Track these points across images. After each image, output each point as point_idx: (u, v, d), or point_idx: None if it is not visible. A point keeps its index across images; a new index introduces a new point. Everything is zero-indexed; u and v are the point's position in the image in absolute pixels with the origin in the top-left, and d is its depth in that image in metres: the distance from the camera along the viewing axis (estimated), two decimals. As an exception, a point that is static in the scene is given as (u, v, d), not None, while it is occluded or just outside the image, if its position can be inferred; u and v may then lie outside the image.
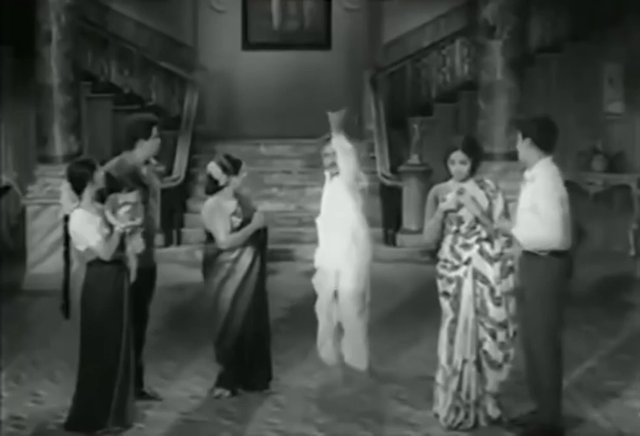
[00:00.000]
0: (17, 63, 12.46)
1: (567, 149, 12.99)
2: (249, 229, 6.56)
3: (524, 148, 5.82)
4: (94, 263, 5.93)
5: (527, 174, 5.82)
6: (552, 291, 5.77)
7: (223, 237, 6.52)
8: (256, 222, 6.60)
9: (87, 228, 5.88)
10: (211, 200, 6.64)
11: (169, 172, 12.52)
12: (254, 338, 6.64)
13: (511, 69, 10.66)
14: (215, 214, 6.55)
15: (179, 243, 12.22)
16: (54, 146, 10.81)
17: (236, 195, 6.66)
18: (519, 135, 5.86)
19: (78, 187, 5.95)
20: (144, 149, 6.52)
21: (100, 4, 14.98)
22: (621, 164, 12.50)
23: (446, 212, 5.99)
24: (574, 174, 12.74)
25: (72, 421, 5.99)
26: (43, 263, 10.48)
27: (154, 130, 6.52)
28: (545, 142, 5.75)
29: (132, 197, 6.04)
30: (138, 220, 6.00)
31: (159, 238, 11.67)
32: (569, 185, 9.27)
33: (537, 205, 5.64)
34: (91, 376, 5.94)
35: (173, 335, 8.31)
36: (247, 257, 6.58)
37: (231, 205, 6.60)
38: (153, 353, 7.02)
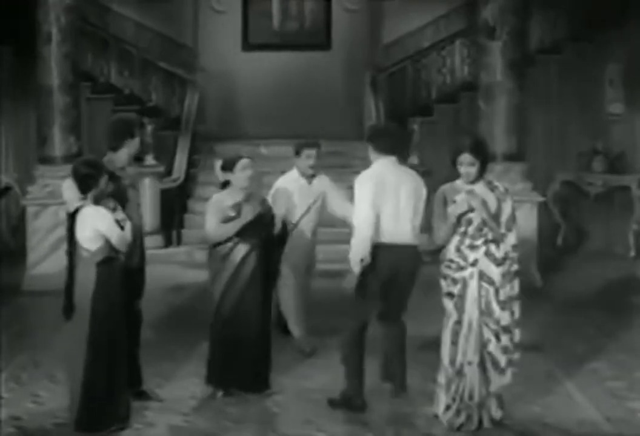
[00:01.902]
0: (17, 63, 12.46)
1: (568, 150, 13.02)
2: (236, 223, 6.54)
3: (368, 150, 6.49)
4: (103, 262, 5.91)
5: None
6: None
7: (210, 228, 6.59)
8: (245, 216, 6.57)
9: (110, 223, 5.89)
10: (218, 194, 6.73)
11: (169, 172, 12.52)
12: (250, 337, 6.63)
13: (511, 69, 10.65)
14: (212, 206, 6.64)
15: (178, 243, 12.21)
16: (53, 147, 10.81)
17: (246, 192, 6.69)
18: None
19: (83, 187, 5.93)
20: (128, 149, 6.53)
21: (100, 4, 14.97)
22: (621, 165, 12.49)
23: (460, 215, 5.97)
24: (574, 175, 12.76)
25: (81, 421, 5.93)
26: (43, 263, 10.48)
27: (137, 130, 6.55)
28: (377, 146, 6.40)
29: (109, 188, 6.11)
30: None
31: (158, 239, 11.71)
32: (570, 185, 9.35)
33: None
34: (100, 376, 5.91)
35: (172, 335, 8.30)
36: (240, 251, 6.57)
37: (230, 198, 6.63)
38: (152, 354, 7.01)
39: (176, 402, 6.59)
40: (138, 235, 6.46)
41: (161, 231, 11.90)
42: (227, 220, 6.57)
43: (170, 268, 10.87)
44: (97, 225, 5.88)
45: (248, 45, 15.95)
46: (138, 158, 8.48)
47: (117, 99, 13.65)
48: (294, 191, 7.71)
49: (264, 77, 15.40)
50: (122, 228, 5.96)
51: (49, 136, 10.81)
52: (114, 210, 6.00)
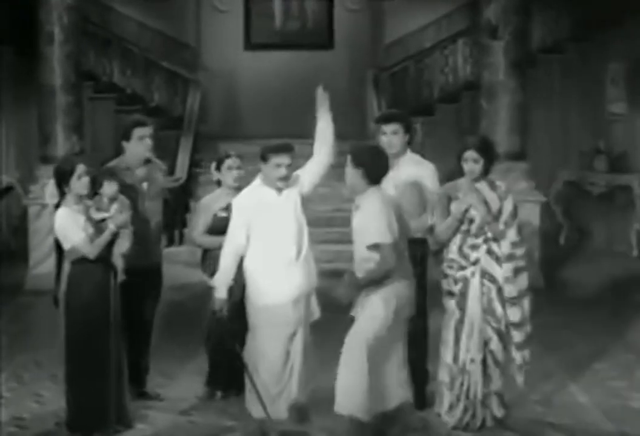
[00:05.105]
0: (19, 63, 12.47)
1: (570, 149, 13.02)
2: (216, 240, 6.36)
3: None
4: (77, 262, 5.84)
5: None
6: None
7: (195, 233, 6.60)
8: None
9: (70, 227, 5.78)
10: (209, 195, 6.68)
11: (171, 172, 12.52)
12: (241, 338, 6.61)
13: (513, 69, 10.65)
14: (201, 209, 6.61)
15: (180, 243, 12.22)
16: (56, 146, 10.82)
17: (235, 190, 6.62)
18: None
19: (57, 184, 5.89)
20: (129, 151, 6.50)
21: (102, 4, 14.99)
22: (623, 164, 12.48)
23: (465, 211, 5.98)
24: (576, 174, 12.75)
25: (71, 422, 5.92)
26: (45, 263, 10.46)
27: (134, 132, 6.44)
28: None
29: (110, 188, 5.95)
30: (125, 214, 5.94)
31: (161, 239, 11.70)
32: (572, 185, 9.21)
33: None
34: (78, 376, 5.88)
35: (174, 334, 8.29)
36: None
37: (222, 201, 6.55)
38: (154, 353, 7.00)
39: (177, 401, 6.59)
40: (153, 235, 6.52)
41: (163, 230, 11.89)
42: (218, 221, 6.48)
43: (173, 268, 10.84)
44: (62, 227, 5.80)
45: (250, 44, 15.98)
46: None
47: (120, 99, 13.67)
48: (258, 208, 5.89)
49: (266, 76, 15.42)
50: (100, 230, 5.84)
51: (52, 135, 10.83)
52: (99, 209, 5.90)
